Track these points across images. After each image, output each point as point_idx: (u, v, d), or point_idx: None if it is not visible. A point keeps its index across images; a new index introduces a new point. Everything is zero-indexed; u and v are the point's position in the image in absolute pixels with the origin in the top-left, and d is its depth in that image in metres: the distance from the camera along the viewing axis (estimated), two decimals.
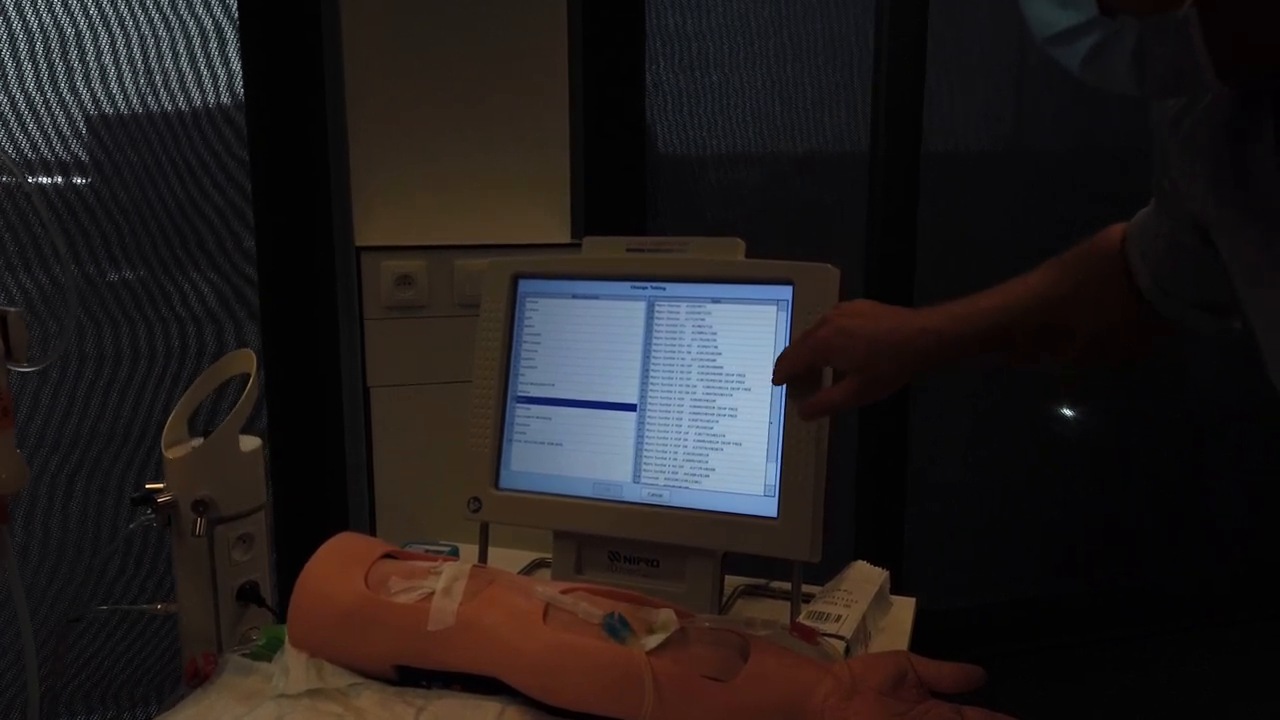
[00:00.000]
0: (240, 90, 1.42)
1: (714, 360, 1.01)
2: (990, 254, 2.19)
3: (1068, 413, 2.31)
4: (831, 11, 1.95)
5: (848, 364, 0.86)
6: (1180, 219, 0.70)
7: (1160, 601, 2.43)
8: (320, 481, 1.46)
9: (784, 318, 0.98)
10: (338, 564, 0.89)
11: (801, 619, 0.96)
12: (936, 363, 0.86)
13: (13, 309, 0.92)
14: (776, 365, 0.92)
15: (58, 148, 1.39)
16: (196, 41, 1.41)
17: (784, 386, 0.97)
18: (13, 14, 1.33)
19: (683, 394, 1.01)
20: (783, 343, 0.98)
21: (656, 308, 1.03)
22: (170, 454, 1.01)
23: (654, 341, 1.03)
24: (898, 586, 1.11)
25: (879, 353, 0.84)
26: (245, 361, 1.07)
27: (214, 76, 1.43)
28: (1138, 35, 0.52)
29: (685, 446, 1.01)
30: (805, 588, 1.02)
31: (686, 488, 1.00)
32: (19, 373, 0.96)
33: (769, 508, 0.97)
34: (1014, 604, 2.34)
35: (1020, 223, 2.20)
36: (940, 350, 0.83)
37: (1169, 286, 0.76)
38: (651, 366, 1.03)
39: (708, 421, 1.00)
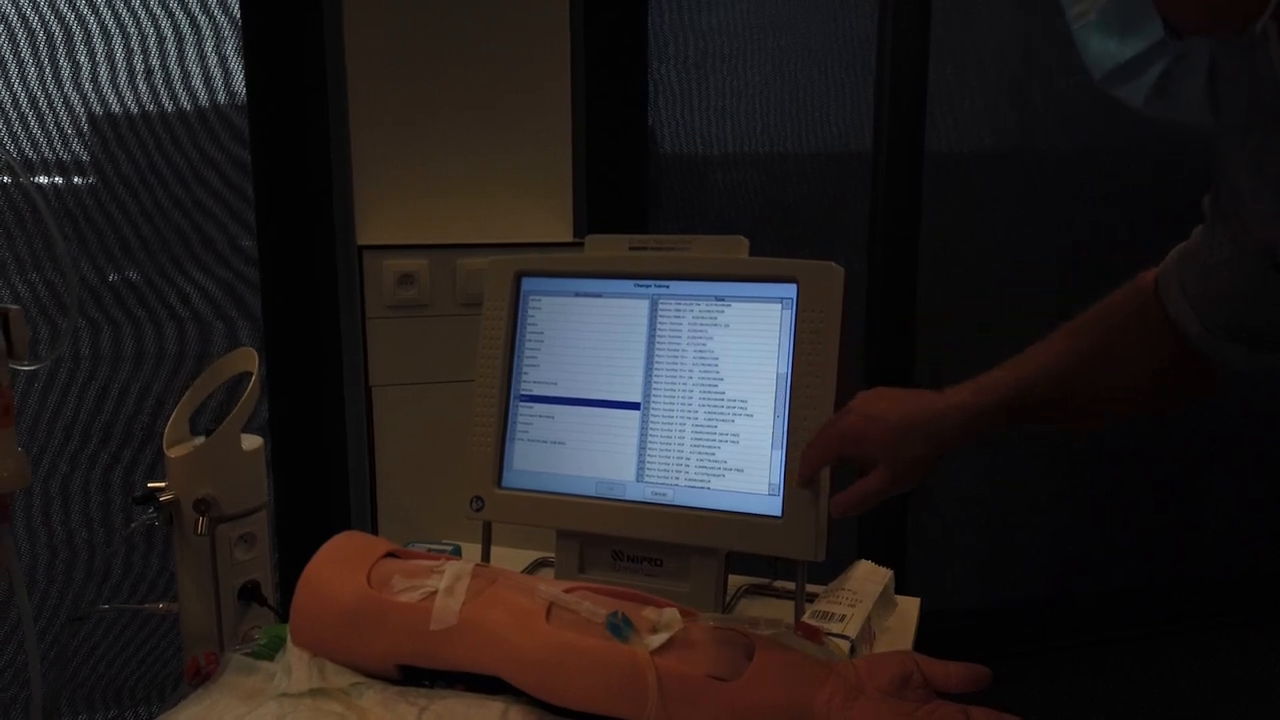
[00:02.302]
0: (242, 90, 1.42)
1: (717, 359, 1.00)
2: (991, 254, 2.19)
3: None
4: (835, 11, 1.95)
5: (879, 451, 0.84)
6: (1244, 243, 0.67)
7: (1164, 602, 2.43)
8: (322, 480, 1.46)
9: (788, 316, 0.98)
10: (340, 563, 0.89)
11: (806, 619, 0.95)
12: (966, 439, 0.83)
13: (14, 307, 0.92)
14: (803, 460, 0.91)
15: (58, 148, 1.39)
16: (198, 41, 1.41)
17: (786, 386, 0.96)
18: (12, 14, 1.33)
19: (686, 392, 1.01)
20: (787, 341, 0.97)
21: (660, 306, 1.03)
22: (172, 453, 1.01)
23: (657, 340, 1.03)
24: (902, 586, 1.11)
25: (911, 436, 0.82)
26: (247, 360, 1.07)
27: (216, 76, 1.43)
28: (1209, 59, 0.48)
29: (689, 445, 1.00)
30: (809, 587, 1.02)
31: (690, 486, 1.00)
32: (21, 372, 0.96)
33: (773, 507, 0.97)
34: (1018, 604, 2.34)
35: (1022, 222, 2.20)
36: (969, 427, 0.82)
37: (1219, 320, 0.72)
38: (655, 365, 1.02)
39: (711, 420, 1.00)
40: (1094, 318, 0.81)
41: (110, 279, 1.43)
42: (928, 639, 1.02)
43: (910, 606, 1.08)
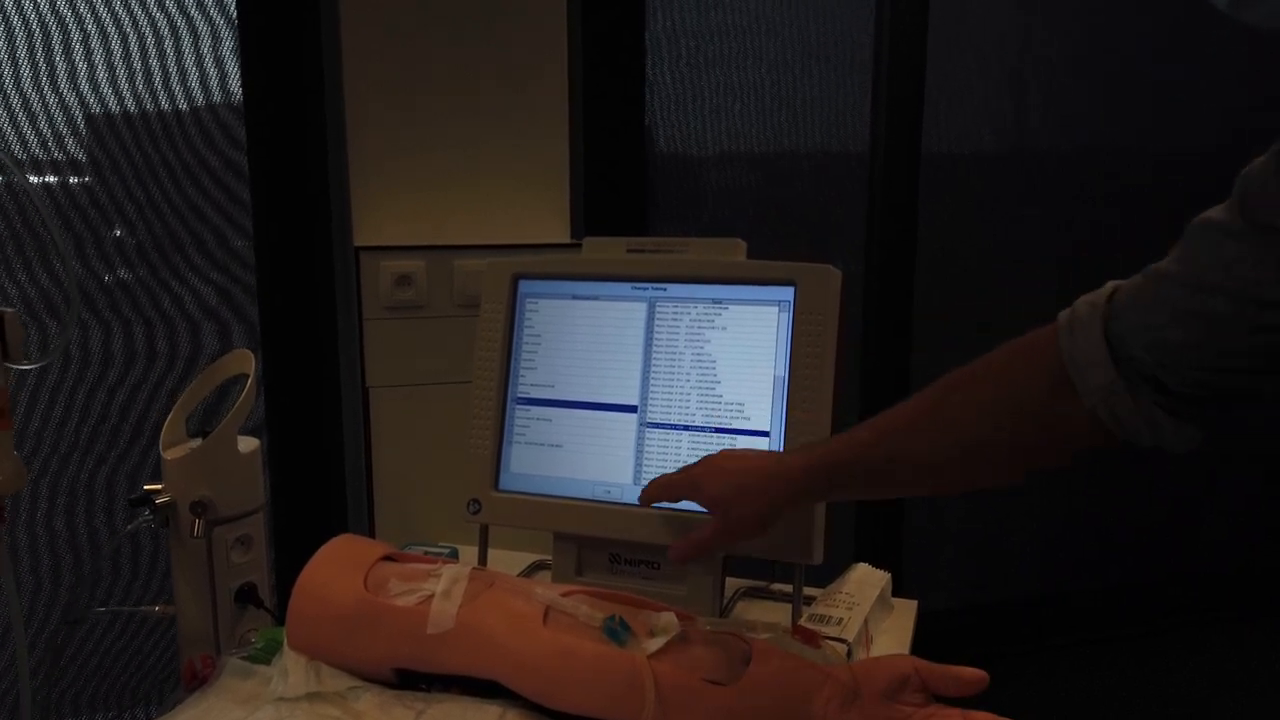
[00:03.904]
0: (238, 90, 1.42)
1: (715, 362, 1.00)
2: (990, 255, 2.19)
3: None
4: (832, 11, 1.95)
5: (712, 504, 0.87)
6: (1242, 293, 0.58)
7: (1160, 599, 2.43)
8: (319, 482, 1.46)
9: (785, 319, 0.97)
10: (337, 566, 0.89)
11: (803, 622, 0.95)
12: (795, 504, 0.85)
13: (8, 309, 0.92)
14: (648, 488, 0.93)
15: (55, 148, 1.38)
16: (195, 42, 1.41)
17: (783, 389, 0.96)
18: (12, 14, 1.33)
19: (684, 395, 1.01)
20: (784, 344, 0.97)
21: (657, 309, 1.03)
22: (168, 455, 1.00)
23: (654, 342, 1.02)
24: (899, 588, 1.10)
25: (741, 496, 0.84)
26: (244, 362, 1.07)
27: (212, 77, 1.43)
28: None
29: (686, 448, 1.00)
30: (806, 590, 1.02)
31: None
32: (17, 373, 0.96)
33: None
34: (1015, 603, 2.34)
35: (1020, 223, 2.20)
36: (796, 492, 0.83)
37: (1181, 366, 0.62)
38: (652, 368, 1.02)
39: (708, 423, 1.00)
40: (960, 376, 0.76)
41: (106, 279, 1.43)
42: (925, 639, 1.02)
43: (908, 609, 1.08)
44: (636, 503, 1.00)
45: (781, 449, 0.96)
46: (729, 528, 0.86)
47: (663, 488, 0.92)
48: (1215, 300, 0.59)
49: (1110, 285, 0.68)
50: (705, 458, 0.90)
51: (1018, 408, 0.70)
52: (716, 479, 0.87)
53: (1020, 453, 0.72)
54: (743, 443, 0.98)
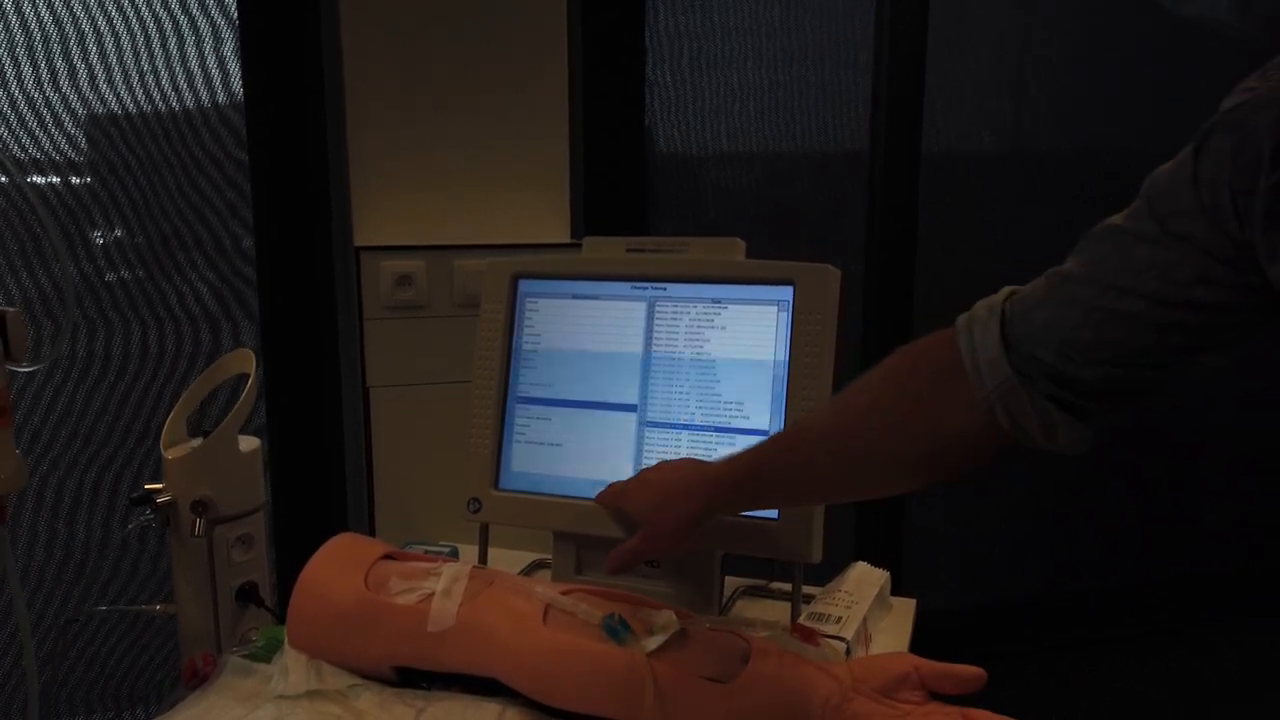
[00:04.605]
0: (239, 90, 1.42)
1: (714, 361, 1.00)
2: (989, 255, 2.19)
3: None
4: (832, 12, 1.95)
5: (639, 512, 0.90)
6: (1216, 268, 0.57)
7: (1159, 599, 2.43)
8: (319, 482, 1.46)
9: (785, 318, 0.98)
10: (337, 565, 0.89)
11: (802, 620, 0.96)
12: (714, 511, 0.87)
13: (11, 309, 0.92)
14: (602, 492, 0.97)
15: (55, 148, 1.39)
16: (197, 42, 1.41)
17: (782, 389, 0.97)
18: (11, 14, 1.33)
19: (683, 395, 1.01)
20: (784, 344, 0.97)
21: (657, 308, 1.03)
22: (169, 454, 1.01)
23: (654, 342, 1.03)
24: (898, 587, 1.11)
25: (665, 503, 0.87)
26: (244, 361, 1.07)
27: (214, 77, 1.43)
28: None
29: (685, 447, 1.01)
30: (806, 588, 1.02)
31: None
32: (18, 373, 0.96)
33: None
34: (1014, 605, 2.34)
35: (1020, 223, 2.20)
36: (715, 499, 0.85)
37: (1084, 362, 0.63)
38: (652, 367, 1.02)
39: (708, 422, 1.00)
40: (857, 384, 0.76)
41: (107, 279, 1.43)
42: (924, 639, 1.02)
43: (906, 608, 1.08)
44: None
45: None
46: (654, 535, 0.88)
47: (604, 496, 0.97)
48: (1127, 301, 0.60)
49: (1007, 289, 0.71)
50: (641, 470, 0.94)
51: (915, 409, 0.72)
52: (642, 490, 0.91)
53: (918, 456, 0.73)
54: (741, 442, 0.99)
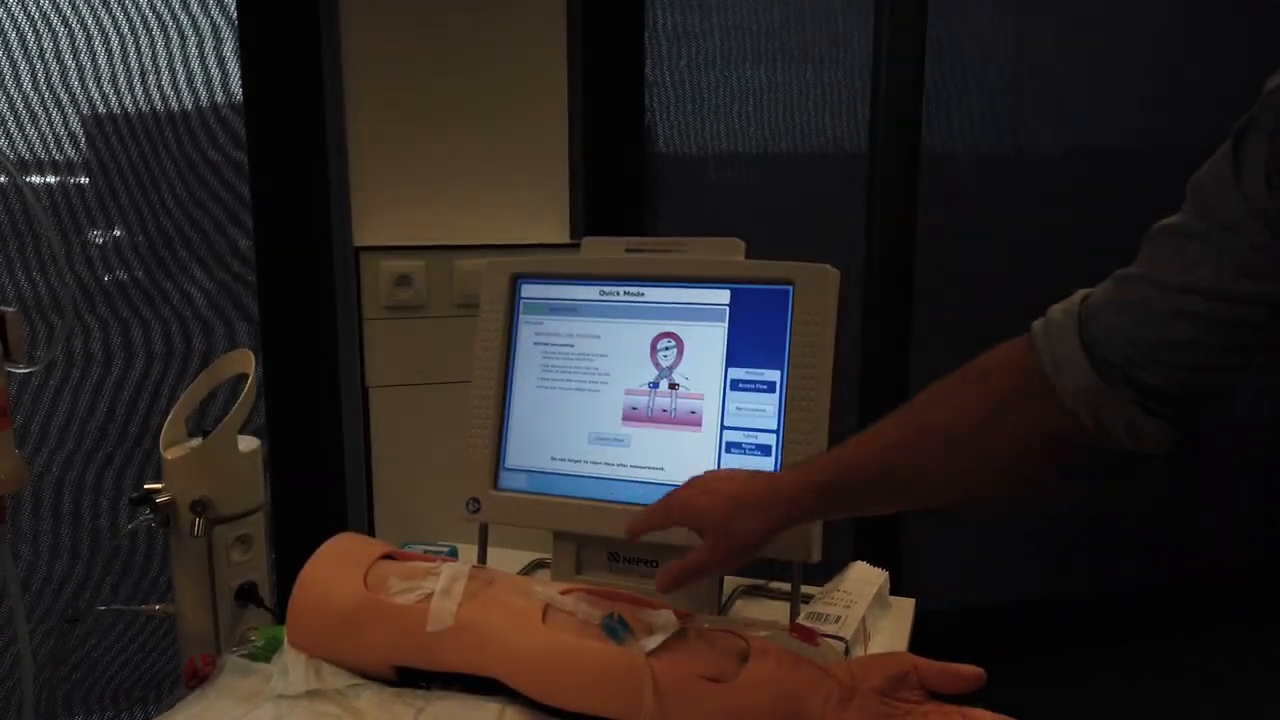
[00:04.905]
0: (239, 91, 1.42)
1: (715, 362, 1.00)
2: (988, 255, 2.19)
3: None
4: (831, 13, 1.95)
5: (709, 524, 0.83)
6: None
7: (1159, 602, 2.43)
8: (319, 481, 1.46)
9: (784, 318, 0.98)
10: (337, 565, 0.89)
11: (801, 620, 0.96)
12: (794, 521, 0.82)
13: (10, 309, 0.92)
14: (635, 521, 0.89)
15: (55, 148, 1.39)
16: (199, 42, 1.41)
17: (781, 388, 0.97)
18: (10, 15, 1.33)
19: (684, 395, 1.01)
20: (783, 343, 0.97)
21: (656, 308, 1.03)
22: (169, 454, 1.01)
23: (653, 342, 1.03)
24: (898, 586, 1.11)
25: (740, 514, 0.81)
26: (244, 361, 1.07)
27: (215, 77, 1.43)
28: None
29: (686, 448, 1.01)
30: (805, 588, 1.02)
31: None
32: (18, 373, 0.96)
33: None
34: (1014, 604, 2.34)
35: (1019, 224, 2.20)
36: (793, 510, 0.81)
37: (1162, 362, 0.63)
38: (651, 367, 1.03)
39: (709, 422, 1.00)
40: (937, 390, 0.75)
41: (106, 279, 1.43)
42: (924, 639, 1.02)
43: (905, 607, 1.08)
44: (635, 501, 1.01)
45: (781, 447, 0.97)
46: (725, 549, 0.82)
47: (650, 517, 0.88)
48: (1186, 300, 0.60)
49: (1081, 292, 0.70)
50: (691, 480, 0.87)
51: (997, 420, 0.71)
52: (710, 499, 0.83)
53: (1003, 467, 0.72)
54: (745, 441, 0.99)
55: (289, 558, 1.41)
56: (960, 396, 0.74)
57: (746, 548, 0.82)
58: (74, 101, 1.37)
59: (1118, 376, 0.65)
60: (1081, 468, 0.70)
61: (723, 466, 0.98)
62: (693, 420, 1.01)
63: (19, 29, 1.34)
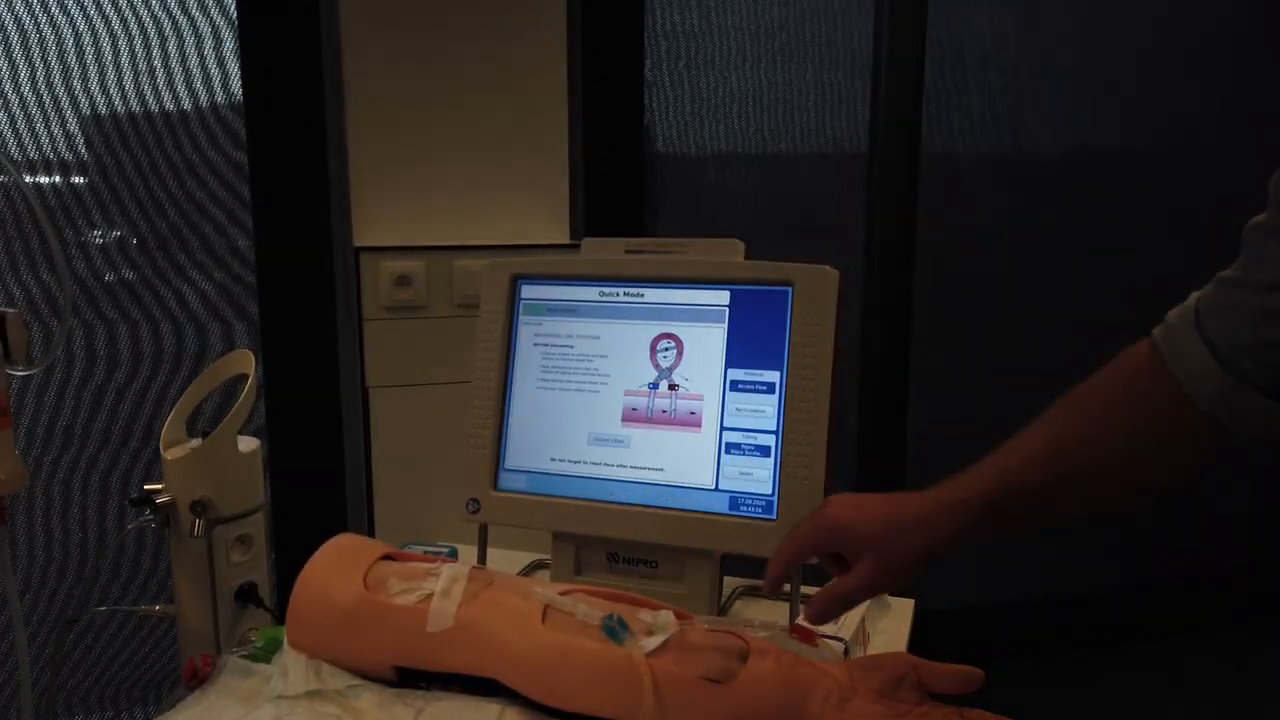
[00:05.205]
0: (239, 91, 1.42)
1: (714, 363, 1.01)
2: (987, 255, 2.19)
3: None
4: (831, 13, 1.96)
5: (867, 541, 0.77)
6: None
7: (1160, 602, 2.43)
8: (319, 482, 1.46)
9: (784, 319, 0.98)
10: (337, 565, 0.89)
11: (800, 620, 0.96)
12: (954, 542, 0.77)
13: (11, 310, 0.92)
14: (776, 558, 0.83)
15: (55, 148, 1.39)
16: (197, 42, 1.41)
17: (781, 389, 0.97)
18: (11, 15, 1.33)
19: (684, 396, 1.01)
20: (782, 344, 0.98)
21: (656, 309, 1.03)
22: (169, 455, 1.01)
23: (653, 343, 1.03)
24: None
25: (895, 530, 0.76)
26: (244, 362, 1.07)
27: (215, 78, 1.43)
28: None
29: (687, 450, 1.01)
30: (804, 588, 1.02)
31: (686, 489, 1.00)
32: (18, 374, 0.96)
33: (768, 509, 0.97)
34: (1014, 604, 2.34)
35: (1019, 224, 2.20)
36: (956, 525, 0.76)
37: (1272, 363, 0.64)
38: (651, 368, 1.03)
39: (709, 423, 1.00)
40: (1072, 399, 0.76)
41: (106, 279, 1.43)
42: (923, 639, 1.02)
43: (904, 608, 1.09)
44: (635, 502, 1.01)
45: (780, 448, 0.97)
46: (887, 569, 0.76)
47: (796, 546, 0.81)
48: (1275, 298, 0.62)
49: (1193, 296, 0.71)
50: (828, 502, 0.81)
51: (1138, 428, 0.72)
52: (862, 514, 0.77)
53: (1148, 472, 0.74)
54: (746, 443, 0.99)
55: (289, 558, 1.41)
56: (1100, 413, 0.75)
57: (905, 569, 0.77)
58: (74, 102, 1.38)
59: (1242, 373, 0.66)
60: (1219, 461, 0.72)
61: (724, 469, 0.98)
62: (692, 421, 1.01)
63: (20, 29, 1.34)
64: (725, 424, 1.00)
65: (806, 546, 0.82)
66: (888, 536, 0.77)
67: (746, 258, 1.03)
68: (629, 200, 1.65)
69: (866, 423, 2.09)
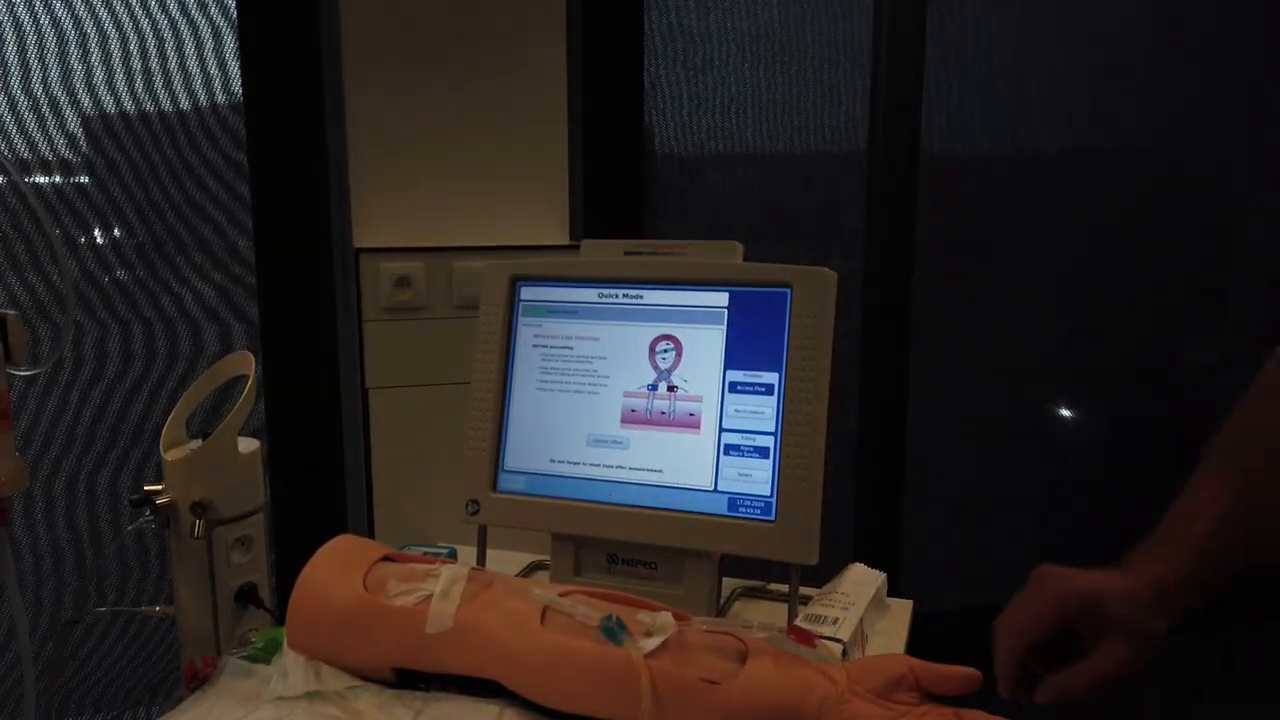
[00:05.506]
0: (238, 91, 1.42)
1: (713, 364, 1.01)
2: (987, 255, 2.19)
3: (1066, 413, 2.31)
4: (830, 13, 1.96)
5: (1118, 620, 0.70)
6: None
7: None
8: (319, 483, 1.47)
9: (782, 321, 0.98)
10: (336, 566, 0.89)
11: (799, 622, 0.96)
12: (1177, 615, 0.72)
13: (11, 313, 0.93)
14: (1006, 643, 0.73)
15: (55, 148, 1.39)
16: (197, 43, 1.42)
17: (779, 391, 0.97)
18: (11, 14, 1.33)
19: (683, 397, 1.02)
20: (781, 346, 0.98)
21: (654, 311, 1.03)
22: (169, 456, 1.01)
23: (652, 345, 1.03)
24: (897, 588, 1.11)
25: (1146, 606, 0.70)
26: (244, 363, 1.07)
27: (215, 78, 1.43)
28: None
29: (686, 453, 1.01)
30: (803, 590, 1.03)
31: (685, 490, 1.00)
32: (18, 375, 0.96)
33: (767, 510, 0.97)
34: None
35: (1018, 224, 2.20)
36: (1181, 595, 0.71)
37: None
38: (650, 370, 1.03)
39: (708, 424, 1.00)
40: (1233, 440, 0.74)
41: (106, 280, 1.43)
42: (923, 639, 1.02)
43: (903, 609, 1.09)
44: (634, 503, 1.01)
45: (779, 449, 0.97)
46: (1141, 648, 0.70)
47: (1034, 627, 0.72)
48: None
49: None
50: (1045, 573, 0.73)
51: None
52: (1110, 588, 0.70)
53: None
54: (744, 445, 0.99)
55: (289, 558, 1.42)
56: (1263, 456, 0.72)
57: (1156, 650, 0.71)
58: (74, 102, 1.38)
59: None
60: None
61: (723, 470, 0.99)
62: (691, 423, 1.01)
63: (20, 29, 1.34)
64: (724, 425, 1.00)
65: (1047, 622, 0.72)
66: (1139, 613, 0.70)
67: (745, 259, 1.03)
68: (629, 201, 1.65)
69: (866, 423, 2.09)
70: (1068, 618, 0.71)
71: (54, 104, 1.37)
